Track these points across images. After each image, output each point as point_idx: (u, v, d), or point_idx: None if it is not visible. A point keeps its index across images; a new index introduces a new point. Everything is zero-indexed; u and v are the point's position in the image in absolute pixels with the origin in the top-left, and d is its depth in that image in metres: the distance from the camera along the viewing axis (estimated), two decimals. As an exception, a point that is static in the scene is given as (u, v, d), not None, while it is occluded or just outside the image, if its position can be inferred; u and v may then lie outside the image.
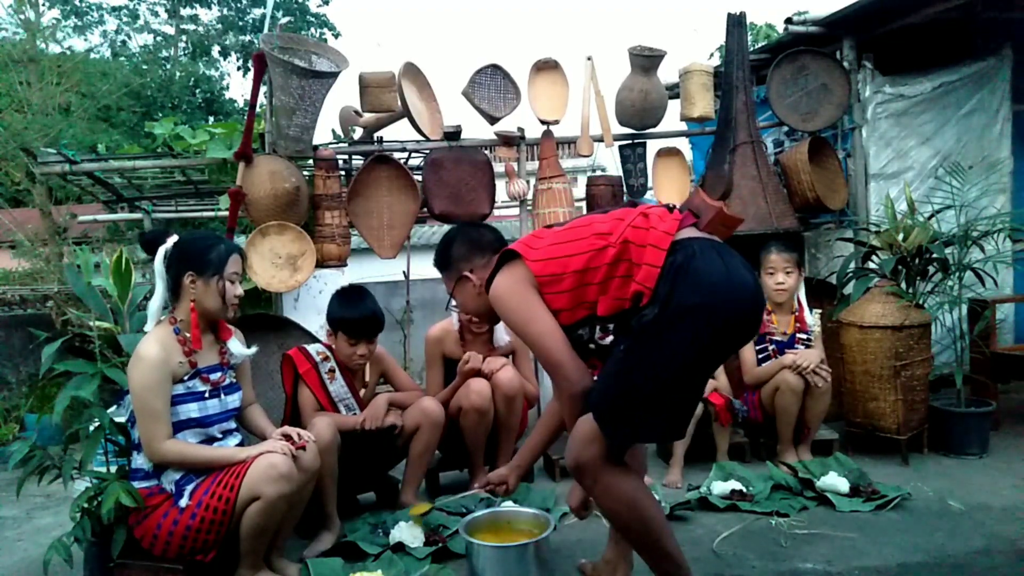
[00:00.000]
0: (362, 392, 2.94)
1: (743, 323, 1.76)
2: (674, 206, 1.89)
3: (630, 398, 1.74)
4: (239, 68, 17.98)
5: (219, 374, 2.31)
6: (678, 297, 1.67)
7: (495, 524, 2.33)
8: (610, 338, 1.90)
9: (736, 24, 4.04)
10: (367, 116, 4.03)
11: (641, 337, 1.72)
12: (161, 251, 2.29)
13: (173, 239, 2.31)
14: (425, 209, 3.88)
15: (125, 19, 16.84)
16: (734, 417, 3.26)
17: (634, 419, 1.75)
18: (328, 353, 2.87)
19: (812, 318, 3.38)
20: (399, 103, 3.74)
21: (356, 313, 2.80)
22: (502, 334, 3.21)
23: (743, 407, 3.32)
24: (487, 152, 4.06)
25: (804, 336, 3.35)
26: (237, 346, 2.38)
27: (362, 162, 4.00)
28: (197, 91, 15.81)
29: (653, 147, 4.27)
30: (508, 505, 2.59)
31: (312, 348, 2.88)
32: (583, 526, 2.72)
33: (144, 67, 14.21)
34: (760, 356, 3.38)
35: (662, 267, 1.71)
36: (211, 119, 14.15)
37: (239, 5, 17.86)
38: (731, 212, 1.88)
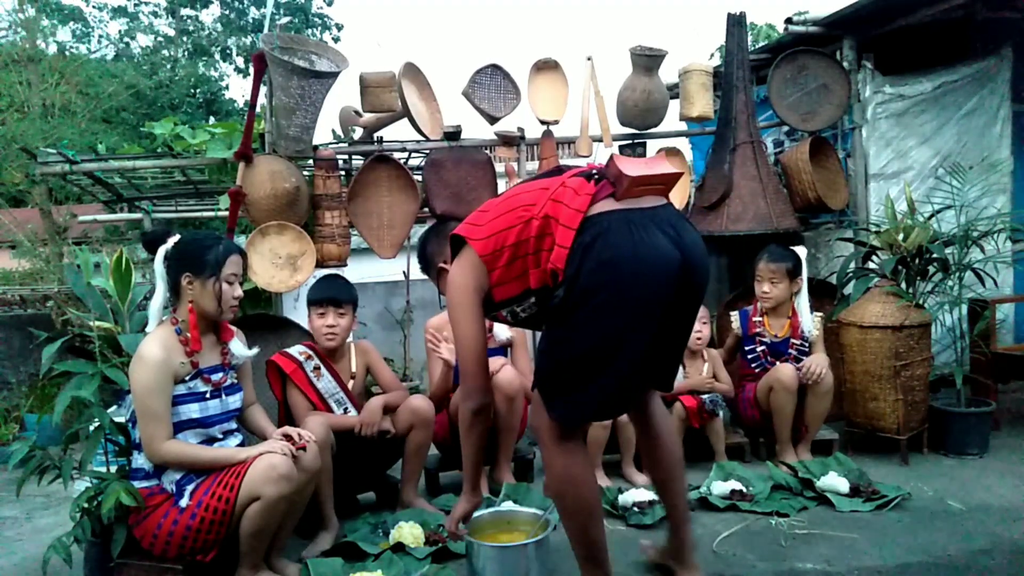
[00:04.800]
0: (350, 384, 2.94)
1: (661, 293, 1.73)
2: (593, 174, 1.84)
3: (554, 376, 1.82)
4: (237, 70, 17.99)
5: (220, 375, 2.31)
6: (582, 279, 1.70)
7: (495, 524, 2.33)
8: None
9: (736, 24, 4.04)
10: (367, 116, 4.03)
11: (553, 318, 1.79)
12: (161, 251, 2.29)
13: (174, 239, 2.30)
14: (425, 209, 3.88)
15: (125, 21, 16.84)
16: (710, 415, 3.24)
17: (564, 396, 1.81)
18: (310, 352, 2.88)
19: (812, 322, 3.36)
20: (399, 103, 3.74)
21: (320, 284, 2.91)
22: (502, 329, 3.20)
23: (717, 400, 3.27)
24: (487, 152, 4.06)
25: (798, 343, 3.34)
26: (239, 347, 2.39)
27: (362, 162, 4.00)
28: (197, 91, 15.81)
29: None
30: (508, 505, 2.59)
31: (294, 349, 2.89)
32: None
33: (145, 68, 14.21)
34: (749, 356, 3.40)
35: (571, 247, 1.72)
36: (211, 119, 14.15)
37: (239, 6, 17.87)
38: (649, 172, 1.76)
